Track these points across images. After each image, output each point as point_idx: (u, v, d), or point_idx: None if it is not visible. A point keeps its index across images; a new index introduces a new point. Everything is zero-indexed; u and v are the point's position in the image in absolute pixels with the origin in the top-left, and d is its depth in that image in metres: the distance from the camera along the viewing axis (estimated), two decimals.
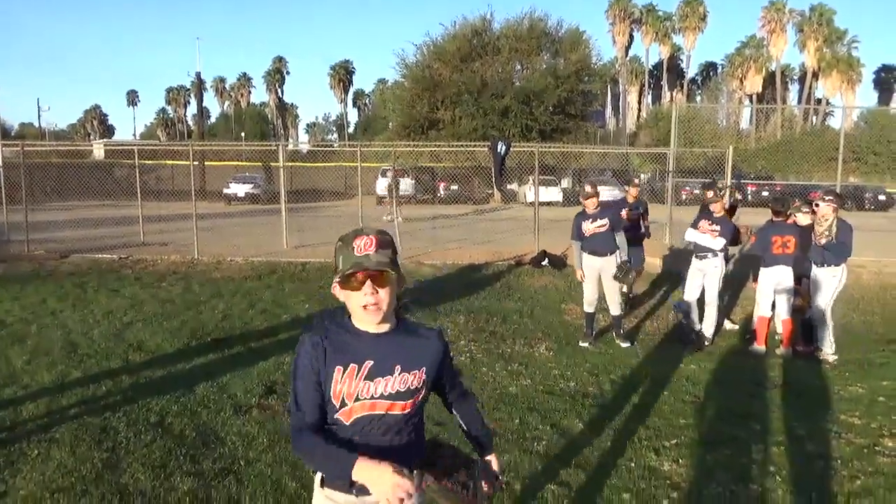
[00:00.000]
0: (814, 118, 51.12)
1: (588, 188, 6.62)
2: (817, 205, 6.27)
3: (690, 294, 6.97)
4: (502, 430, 4.27)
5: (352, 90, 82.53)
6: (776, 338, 6.64)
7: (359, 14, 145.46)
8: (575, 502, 3.39)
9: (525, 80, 30.62)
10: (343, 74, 79.24)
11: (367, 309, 1.67)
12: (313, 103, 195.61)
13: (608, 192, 16.32)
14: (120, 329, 6.71)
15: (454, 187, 25.04)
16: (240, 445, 3.98)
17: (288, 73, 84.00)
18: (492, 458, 1.96)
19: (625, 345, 6.62)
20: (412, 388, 1.73)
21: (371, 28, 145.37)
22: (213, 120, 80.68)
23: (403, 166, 24.20)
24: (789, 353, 6.38)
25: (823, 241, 6.20)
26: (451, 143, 24.37)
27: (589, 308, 6.73)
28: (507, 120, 29.15)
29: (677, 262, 9.14)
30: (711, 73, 70.41)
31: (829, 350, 6.26)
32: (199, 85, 39.82)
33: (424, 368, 1.76)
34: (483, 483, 1.76)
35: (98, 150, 32.36)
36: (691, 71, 70.04)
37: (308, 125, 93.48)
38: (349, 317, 1.75)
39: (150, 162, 21.80)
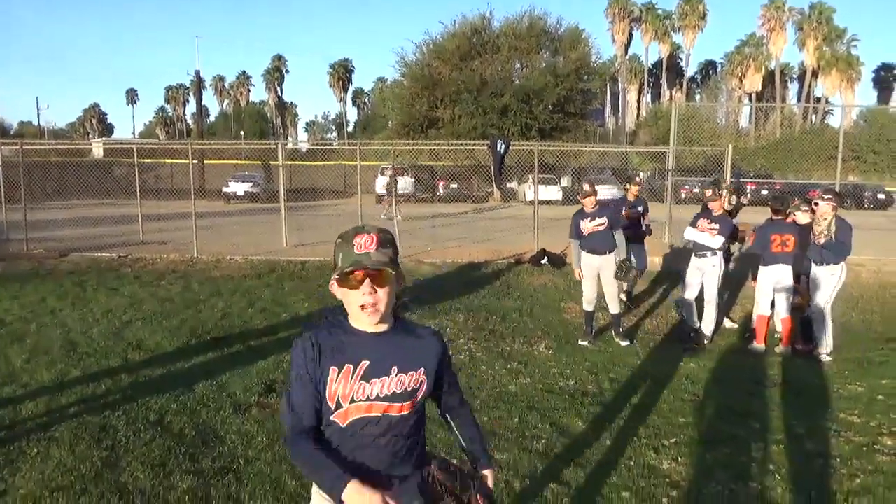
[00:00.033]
0: (813, 117, 51.04)
1: (586, 187, 6.63)
2: (816, 203, 6.26)
3: (690, 292, 6.98)
4: (502, 429, 4.27)
5: (351, 89, 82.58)
6: (775, 336, 6.64)
7: (358, 12, 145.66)
8: (574, 501, 3.39)
9: (524, 79, 30.60)
10: (342, 73, 79.12)
11: (364, 309, 1.64)
12: (313, 102, 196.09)
13: (607, 191, 16.35)
14: (119, 328, 6.70)
15: (454, 186, 25.03)
16: (239, 444, 3.97)
17: (287, 71, 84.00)
18: (488, 474, 1.83)
19: (624, 343, 6.62)
20: (409, 389, 1.69)
21: (370, 26, 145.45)
22: (212, 118, 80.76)
23: (403, 165, 24.18)
24: (788, 352, 6.39)
25: (822, 239, 6.19)
26: (450, 141, 24.31)
27: (588, 306, 6.74)
28: (506, 118, 29.13)
29: (677, 261, 9.13)
30: (711, 72, 70.39)
31: (823, 349, 6.25)
32: (199, 83, 39.76)
33: (423, 370, 1.72)
34: (479, 497, 1.68)
35: (97, 149, 32.40)
36: (691, 69, 70.15)
37: (307, 124, 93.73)
38: (346, 316, 1.71)
39: (149, 160, 21.72)
